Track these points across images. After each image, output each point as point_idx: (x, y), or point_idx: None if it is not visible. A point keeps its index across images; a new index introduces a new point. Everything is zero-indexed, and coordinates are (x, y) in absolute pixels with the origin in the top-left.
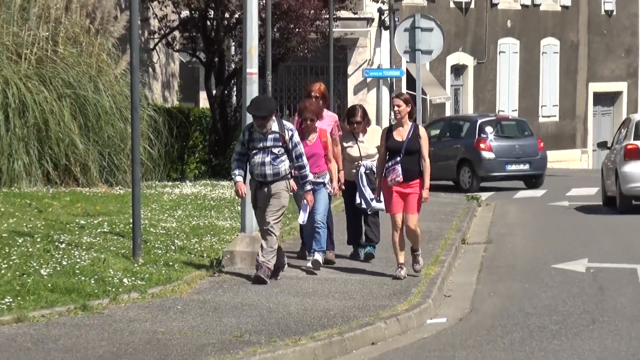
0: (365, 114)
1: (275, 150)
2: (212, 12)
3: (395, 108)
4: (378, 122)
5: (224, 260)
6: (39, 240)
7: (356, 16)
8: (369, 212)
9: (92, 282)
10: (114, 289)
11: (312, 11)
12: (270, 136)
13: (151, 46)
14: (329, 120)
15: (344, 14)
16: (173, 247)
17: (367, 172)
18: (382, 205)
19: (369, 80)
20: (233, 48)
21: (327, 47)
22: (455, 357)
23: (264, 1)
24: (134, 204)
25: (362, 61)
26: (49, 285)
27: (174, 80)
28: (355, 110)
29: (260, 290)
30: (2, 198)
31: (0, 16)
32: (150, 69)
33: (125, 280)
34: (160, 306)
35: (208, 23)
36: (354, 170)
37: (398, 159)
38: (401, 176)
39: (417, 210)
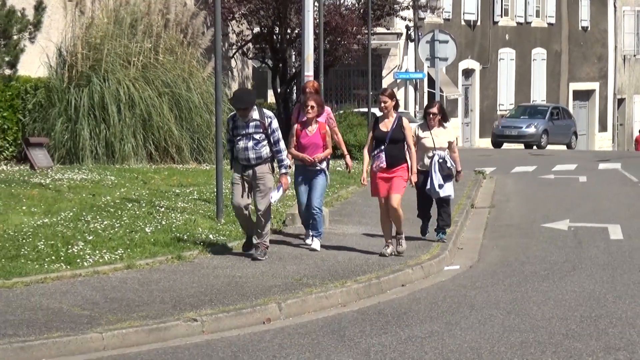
0: (442, 109)
1: (257, 136)
2: (278, 28)
3: (382, 104)
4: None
5: (286, 220)
6: (144, 205)
7: (389, 31)
8: (435, 198)
9: (185, 237)
10: (201, 243)
11: (354, 28)
12: (252, 124)
13: (230, 55)
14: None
15: (379, 29)
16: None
17: (440, 160)
18: (445, 192)
19: (398, 81)
20: (293, 56)
21: (366, 56)
22: (466, 295)
23: (317, 20)
24: (218, 177)
25: (393, 66)
26: (152, 240)
27: (247, 81)
28: (432, 102)
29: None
30: (115, 172)
31: (115, 32)
32: (230, 73)
33: (210, 236)
34: (237, 257)
35: (274, 37)
36: (428, 159)
37: (382, 147)
38: (385, 162)
39: (399, 189)
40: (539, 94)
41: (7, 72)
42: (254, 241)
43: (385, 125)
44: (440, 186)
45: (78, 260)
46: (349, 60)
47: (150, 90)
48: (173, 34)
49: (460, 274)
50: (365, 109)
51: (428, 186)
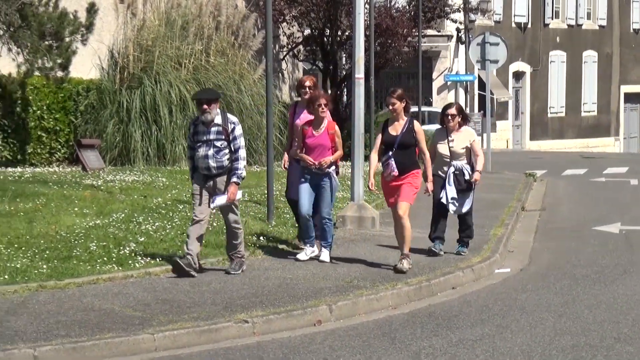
0: (461, 111)
1: (218, 144)
2: (328, 30)
3: (390, 106)
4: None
5: (337, 222)
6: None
7: (439, 34)
8: (451, 212)
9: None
10: (252, 245)
11: (405, 30)
12: (213, 129)
13: (281, 57)
14: None
15: (430, 32)
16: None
17: (456, 172)
18: (459, 209)
19: (449, 83)
20: (344, 58)
21: (417, 58)
22: (517, 298)
23: (368, 22)
24: (269, 179)
25: (444, 68)
26: (203, 241)
27: None
28: (451, 104)
29: (366, 246)
30: (166, 174)
31: (166, 34)
32: (280, 75)
33: (261, 238)
34: (288, 258)
35: (325, 39)
36: (445, 168)
37: (390, 153)
38: (396, 170)
39: (412, 199)
40: (589, 97)
41: (60, 74)
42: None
43: (395, 129)
44: (453, 200)
45: (130, 262)
46: (400, 62)
47: None
48: (224, 36)
49: (511, 277)
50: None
51: (441, 196)
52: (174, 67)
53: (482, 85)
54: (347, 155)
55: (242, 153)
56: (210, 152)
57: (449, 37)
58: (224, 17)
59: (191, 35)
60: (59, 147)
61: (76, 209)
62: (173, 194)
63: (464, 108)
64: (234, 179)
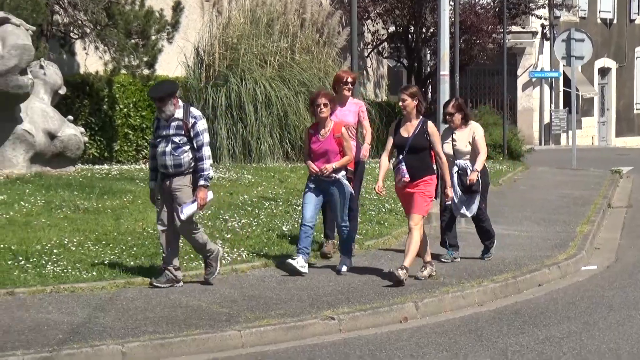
0: (460, 108)
1: (177, 139)
2: (413, 27)
3: (400, 102)
4: (541, 116)
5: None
6: (280, 203)
7: (524, 30)
8: (459, 216)
9: (322, 236)
10: (338, 241)
11: (489, 27)
12: (173, 124)
13: (365, 54)
14: (353, 107)
15: (514, 28)
16: (383, 210)
17: (459, 172)
18: (465, 211)
19: (533, 80)
20: (428, 55)
21: (502, 54)
22: (604, 296)
23: (452, 19)
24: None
25: (529, 65)
26: (289, 238)
27: (382, 80)
28: (449, 101)
29: None
30: (252, 171)
31: (251, 31)
32: (365, 72)
33: None
34: (374, 255)
35: (409, 36)
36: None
37: (401, 156)
38: (407, 176)
39: (426, 209)
40: None
41: (146, 71)
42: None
43: (407, 130)
44: (461, 202)
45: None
46: (484, 59)
47: (287, 90)
48: (309, 33)
49: (597, 274)
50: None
51: (448, 202)
52: (259, 64)
53: (567, 82)
54: None
55: (207, 151)
56: (168, 148)
57: (534, 33)
58: (308, 15)
59: (276, 32)
60: (146, 144)
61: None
62: (259, 190)
63: (464, 104)
64: (202, 182)
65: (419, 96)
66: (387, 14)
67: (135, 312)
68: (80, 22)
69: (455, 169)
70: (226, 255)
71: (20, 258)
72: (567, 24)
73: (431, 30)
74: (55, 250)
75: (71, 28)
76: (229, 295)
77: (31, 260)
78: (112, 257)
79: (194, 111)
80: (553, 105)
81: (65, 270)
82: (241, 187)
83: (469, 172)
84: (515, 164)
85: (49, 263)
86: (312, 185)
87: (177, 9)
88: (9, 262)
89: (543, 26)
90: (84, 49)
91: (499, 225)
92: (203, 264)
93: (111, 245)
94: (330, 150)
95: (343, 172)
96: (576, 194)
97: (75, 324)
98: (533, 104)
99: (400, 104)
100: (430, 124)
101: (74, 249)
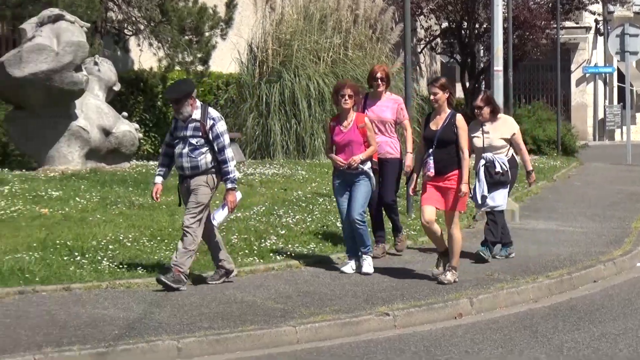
0: (489, 101)
1: (194, 141)
2: (466, 23)
3: (432, 96)
4: (595, 111)
5: (477, 215)
6: (334, 200)
7: (577, 25)
8: (482, 210)
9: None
10: (390, 238)
11: (542, 22)
12: (190, 125)
13: (418, 50)
14: (391, 103)
15: (568, 24)
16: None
17: (487, 164)
18: (489, 203)
19: (587, 75)
20: (481, 51)
21: (555, 50)
22: None
23: (506, 14)
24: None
25: (582, 60)
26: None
27: (435, 76)
28: (477, 95)
29: None
30: (306, 167)
31: (305, 28)
32: (418, 68)
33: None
34: (428, 251)
35: (462, 32)
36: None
37: (430, 150)
38: (432, 170)
39: (456, 207)
40: None
41: (200, 68)
42: (172, 260)
43: (436, 123)
44: (484, 197)
45: (271, 255)
46: (538, 54)
47: None
48: (362, 29)
49: None
50: None
51: (471, 195)
52: (312, 60)
53: (621, 77)
54: None
55: (229, 153)
56: (185, 150)
57: (588, 28)
58: (361, 11)
59: (329, 29)
60: None
61: (217, 201)
62: (313, 186)
63: (492, 97)
64: (229, 185)
65: (450, 88)
66: (440, 10)
67: (190, 308)
68: (134, 18)
69: (483, 162)
70: (280, 251)
71: (76, 254)
72: (621, 19)
73: (484, 25)
74: (110, 246)
75: (125, 25)
76: (283, 291)
77: (87, 256)
78: (167, 252)
79: (212, 112)
80: (607, 101)
81: (120, 266)
82: (295, 183)
83: (496, 164)
84: (569, 160)
85: (105, 259)
86: (338, 181)
87: (231, 5)
88: (65, 258)
89: (597, 21)
90: (138, 45)
91: (554, 221)
92: (215, 266)
93: (166, 241)
94: (355, 141)
95: (369, 164)
96: (631, 190)
97: (131, 319)
98: (587, 99)
99: (432, 97)
100: (459, 116)
101: (129, 244)
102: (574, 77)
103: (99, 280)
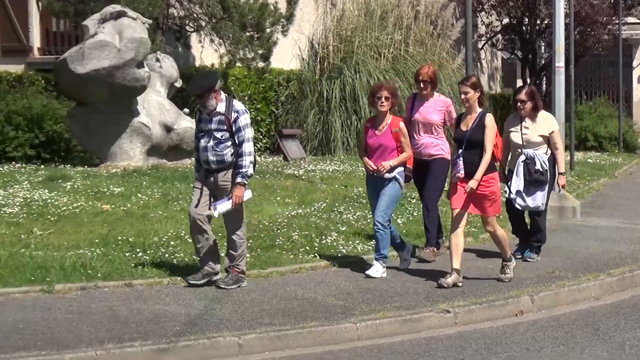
0: (533, 96)
1: (219, 135)
2: (527, 19)
3: (462, 95)
4: None
5: None
6: None
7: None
8: (519, 209)
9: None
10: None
11: (604, 18)
12: (215, 118)
13: (479, 46)
14: (439, 105)
15: (630, 19)
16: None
17: (527, 161)
18: (527, 203)
19: None
20: (543, 47)
21: (617, 46)
22: None
23: (567, 10)
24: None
25: None
26: (404, 231)
27: (496, 72)
28: (521, 88)
29: (567, 236)
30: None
31: (365, 24)
32: (479, 64)
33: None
34: (489, 248)
35: (523, 28)
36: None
37: (460, 151)
38: (462, 171)
39: (492, 210)
40: None
41: (261, 64)
42: (219, 268)
43: (466, 124)
44: (519, 193)
45: (331, 251)
46: (599, 50)
47: (401, 82)
48: (423, 25)
49: None
50: None
51: (506, 192)
52: (373, 56)
53: None
54: None
55: (247, 147)
56: (210, 143)
57: None
58: (422, 7)
59: (390, 25)
60: (261, 137)
61: (278, 198)
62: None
63: (536, 92)
64: (239, 179)
65: (481, 87)
66: (501, 6)
67: (251, 304)
68: (195, 15)
69: (523, 157)
70: (341, 247)
71: (138, 250)
72: None
73: (545, 21)
74: (172, 242)
75: (187, 21)
76: (344, 287)
77: (148, 252)
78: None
79: (237, 105)
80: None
81: (181, 262)
82: (355, 180)
83: (537, 161)
84: (631, 157)
85: (166, 255)
86: (370, 183)
87: (292, 1)
88: (127, 254)
89: None
90: (200, 41)
91: (615, 218)
92: (225, 269)
93: (226, 237)
94: (386, 145)
95: (401, 170)
96: None
97: (192, 315)
98: None
99: (462, 96)
100: (488, 116)
101: (190, 241)
102: (636, 73)
103: (160, 276)
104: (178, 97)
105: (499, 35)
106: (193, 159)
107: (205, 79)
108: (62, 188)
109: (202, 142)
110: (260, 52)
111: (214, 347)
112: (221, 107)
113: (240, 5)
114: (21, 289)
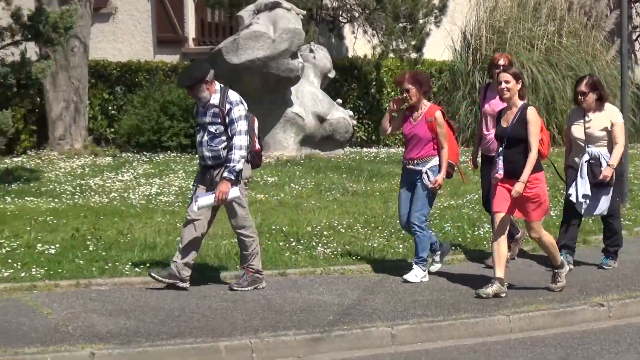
0: (595, 86)
1: (212, 129)
2: None
3: (503, 84)
4: None
5: None
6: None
7: None
8: (585, 216)
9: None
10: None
11: None
12: (209, 111)
13: (634, 38)
14: None
15: None
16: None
17: (591, 162)
18: (592, 209)
19: None
20: None
21: None
22: None
23: None
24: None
25: None
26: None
27: None
28: (582, 79)
29: None
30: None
31: (518, 15)
32: (633, 56)
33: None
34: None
35: None
36: (580, 156)
37: (500, 149)
38: (501, 171)
39: (536, 215)
40: None
41: (414, 55)
42: (186, 277)
43: (507, 119)
44: (585, 197)
45: (484, 243)
46: None
47: (554, 74)
48: (576, 16)
49: None
50: None
51: (570, 192)
52: (526, 48)
53: None
54: None
55: (239, 140)
56: (205, 138)
57: None
58: None
59: (543, 16)
60: None
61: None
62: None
63: (599, 82)
64: (225, 174)
65: (523, 79)
66: None
67: (404, 295)
68: (349, 6)
69: (587, 157)
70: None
71: (292, 239)
72: None
73: None
74: (325, 232)
75: (340, 12)
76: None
77: (302, 241)
78: (381, 239)
79: (232, 96)
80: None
81: (335, 252)
82: None
83: (602, 162)
84: None
85: (319, 245)
86: (403, 177)
87: None
88: (281, 244)
89: None
90: (353, 32)
91: None
92: (241, 270)
93: (380, 228)
94: (420, 136)
95: (435, 161)
96: None
97: (345, 305)
98: None
99: (502, 86)
100: (530, 109)
101: (343, 231)
102: None
103: (313, 266)
104: (331, 88)
105: None
106: (347, 148)
107: (195, 69)
108: None
109: (198, 137)
110: (413, 43)
111: (366, 337)
112: (215, 99)
113: None
114: None
